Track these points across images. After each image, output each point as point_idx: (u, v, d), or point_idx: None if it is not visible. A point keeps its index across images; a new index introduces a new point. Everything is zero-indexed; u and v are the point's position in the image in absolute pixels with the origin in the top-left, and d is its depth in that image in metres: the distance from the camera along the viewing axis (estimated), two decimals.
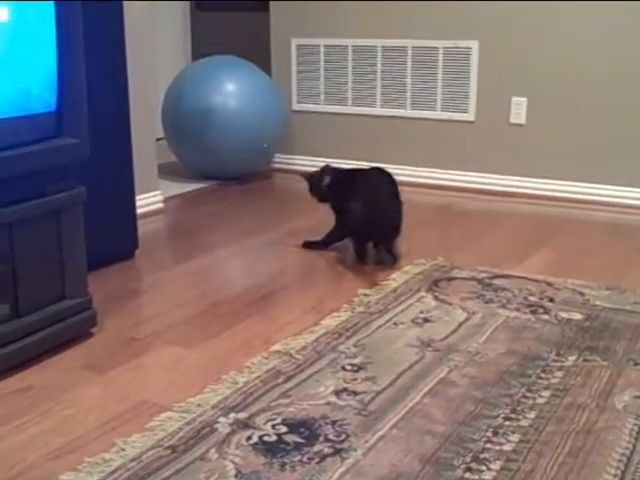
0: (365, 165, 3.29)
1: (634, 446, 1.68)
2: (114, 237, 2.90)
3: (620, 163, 3.87)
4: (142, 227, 3.22)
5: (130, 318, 2.44)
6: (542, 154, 4.04)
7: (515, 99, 4.07)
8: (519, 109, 4.07)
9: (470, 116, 4.19)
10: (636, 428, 1.75)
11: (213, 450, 1.67)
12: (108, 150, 2.81)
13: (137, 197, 3.11)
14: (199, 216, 3.72)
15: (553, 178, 4.03)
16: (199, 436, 1.73)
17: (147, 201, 3.62)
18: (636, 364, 2.07)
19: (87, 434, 1.75)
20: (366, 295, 2.58)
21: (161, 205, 3.76)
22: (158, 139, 4.10)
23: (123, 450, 1.67)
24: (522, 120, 4.07)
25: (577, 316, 2.41)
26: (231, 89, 4.18)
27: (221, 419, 1.80)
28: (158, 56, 5.39)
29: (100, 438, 1.73)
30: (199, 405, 1.87)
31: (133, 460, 1.63)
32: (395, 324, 2.35)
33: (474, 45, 4.10)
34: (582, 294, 2.58)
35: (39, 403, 1.89)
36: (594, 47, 3.83)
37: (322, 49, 4.52)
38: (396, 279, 2.74)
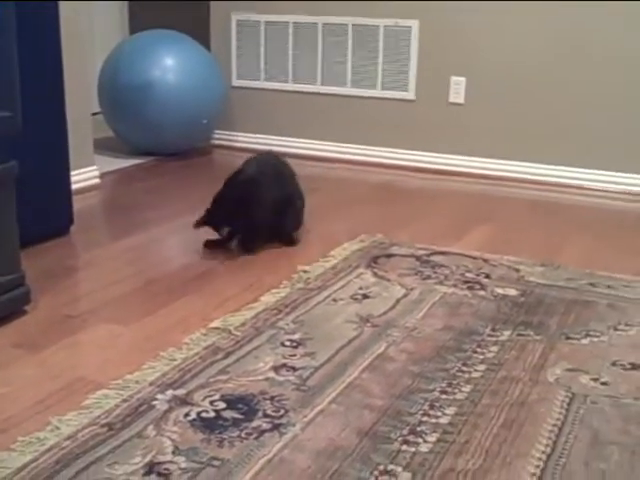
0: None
1: (565, 417, 1.72)
2: (48, 213, 2.84)
3: (556, 142, 3.94)
4: (78, 203, 3.15)
5: (65, 295, 2.39)
6: (480, 133, 4.09)
7: (454, 78, 4.10)
8: (458, 88, 4.10)
9: (410, 95, 4.21)
10: (567, 400, 1.80)
11: (151, 427, 1.66)
12: (42, 124, 2.74)
13: (72, 172, 3.04)
14: (136, 192, 3.67)
15: (491, 157, 4.08)
16: (136, 413, 1.71)
17: (83, 177, 3.55)
18: (568, 338, 2.13)
19: (20, 413, 1.71)
20: (305, 272, 2.58)
21: (97, 181, 3.69)
22: (94, 114, 4.01)
23: (58, 429, 1.64)
24: (461, 99, 4.11)
25: (512, 292, 2.45)
26: (170, 63, 4.11)
27: (159, 396, 1.78)
28: (95, 29, 5.26)
29: (34, 417, 1.70)
30: (136, 382, 1.84)
31: (68, 438, 1.60)
32: (334, 300, 2.36)
33: (414, 24, 4.11)
34: (517, 270, 2.63)
35: None
36: (532, 28, 3.87)
37: (262, 25, 4.48)
38: (335, 256, 2.74)
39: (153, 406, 1.74)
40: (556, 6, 3.79)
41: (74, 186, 3.17)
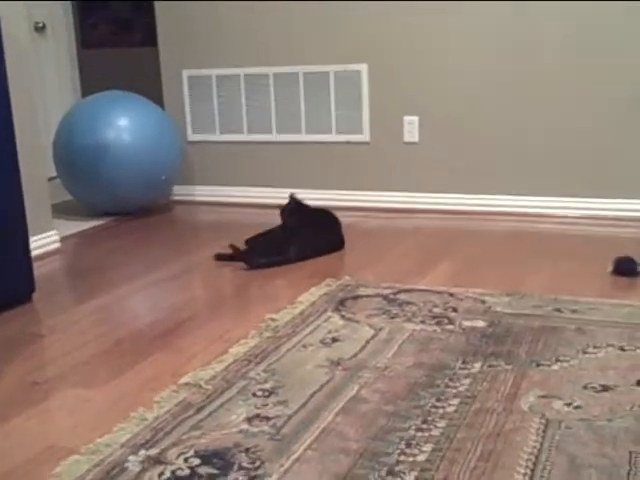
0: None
1: (541, 444, 1.72)
2: (9, 281, 2.80)
3: (511, 173, 4.00)
4: (39, 269, 3.12)
5: (30, 363, 2.35)
6: (437, 170, 4.14)
7: (407, 118, 4.16)
8: (411, 128, 4.16)
9: (365, 137, 4.27)
10: (542, 427, 1.80)
11: None
12: None
13: (32, 238, 3.02)
14: (98, 254, 3.64)
15: (449, 192, 4.13)
16: (109, 477, 1.67)
17: (42, 242, 3.52)
18: (538, 365, 2.14)
19: None
20: (273, 320, 2.57)
21: (58, 245, 3.66)
22: (51, 178, 4.00)
23: None
24: (415, 138, 4.16)
25: (480, 324, 2.46)
26: (124, 123, 4.12)
27: (131, 457, 1.75)
28: (47, 95, 5.27)
29: None
30: (107, 445, 1.81)
31: None
32: (304, 346, 2.35)
33: (363, 68, 4.18)
34: (483, 302, 2.65)
35: None
36: (479, 65, 3.96)
37: (214, 79, 4.52)
38: (302, 301, 2.74)
39: (126, 468, 1.70)
40: (503, 42, 3.89)
41: (34, 252, 3.14)
